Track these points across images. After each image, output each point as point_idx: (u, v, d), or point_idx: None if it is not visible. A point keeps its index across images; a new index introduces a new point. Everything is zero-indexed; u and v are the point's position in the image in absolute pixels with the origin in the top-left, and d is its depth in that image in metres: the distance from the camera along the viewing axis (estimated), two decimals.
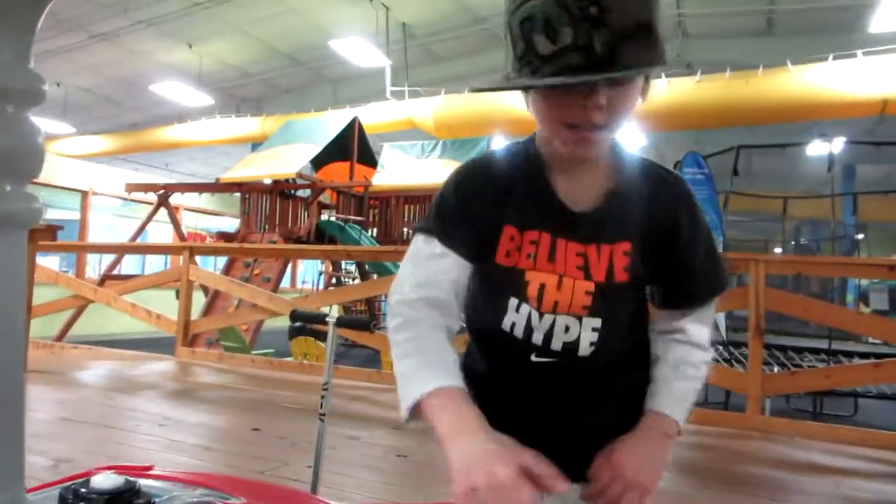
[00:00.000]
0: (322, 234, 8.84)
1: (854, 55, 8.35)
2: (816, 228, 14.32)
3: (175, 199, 10.41)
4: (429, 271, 0.81)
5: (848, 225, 10.17)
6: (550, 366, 0.84)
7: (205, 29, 11.38)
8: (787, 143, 8.05)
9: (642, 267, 0.84)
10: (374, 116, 11.62)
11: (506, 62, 0.79)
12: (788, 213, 9.49)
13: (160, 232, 13.10)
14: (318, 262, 11.61)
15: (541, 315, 0.83)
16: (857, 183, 13.76)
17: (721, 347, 5.40)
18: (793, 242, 13.02)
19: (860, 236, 10.11)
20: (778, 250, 12.94)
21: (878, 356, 4.31)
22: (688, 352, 0.88)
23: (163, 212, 9.78)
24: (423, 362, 0.76)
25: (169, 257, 11.65)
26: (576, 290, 0.82)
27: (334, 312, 2.10)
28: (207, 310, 7.73)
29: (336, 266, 10.66)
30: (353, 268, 10.16)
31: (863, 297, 12.44)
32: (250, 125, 13.44)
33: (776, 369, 4.78)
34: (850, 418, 5.85)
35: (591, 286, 0.82)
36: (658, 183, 0.87)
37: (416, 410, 0.72)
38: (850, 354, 4.84)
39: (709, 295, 0.89)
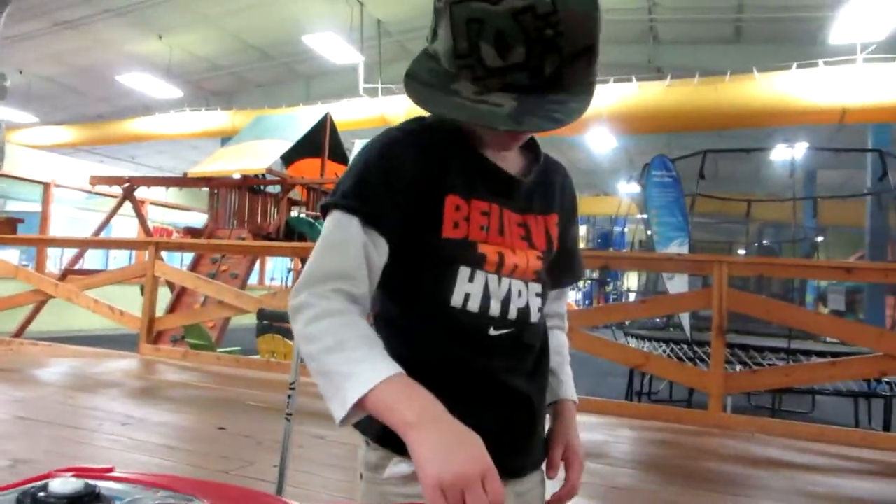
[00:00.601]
0: (292, 231, 8.75)
1: (816, 64, 8.58)
2: (779, 231, 14.69)
3: (141, 192, 10.19)
4: (346, 259, 0.73)
5: (808, 228, 10.45)
6: (507, 338, 0.80)
7: (175, 20, 11.18)
8: (752, 148, 8.23)
9: (561, 238, 0.88)
10: (346, 113, 11.54)
11: (434, 43, 0.75)
12: (752, 216, 9.70)
13: (125, 226, 12.83)
14: (288, 258, 11.50)
15: (500, 279, 0.80)
16: (817, 187, 14.14)
17: (685, 346, 5.51)
18: (756, 244, 13.33)
19: (820, 239, 10.40)
20: (742, 251, 13.24)
21: (835, 355, 4.44)
22: (564, 338, 0.97)
23: (128, 205, 9.59)
24: (361, 354, 0.67)
25: (133, 252, 11.42)
26: (529, 255, 0.82)
27: None
28: (173, 306, 7.59)
29: (305, 263, 10.59)
30: None
31: (822, 297, 12.81)
32: (220, 119, 13.25)
33: (738, 368, 4.89)
34: (808, 415, 6.01)
35: (538, 253, 0.84)
36: (561, 168, 0.93)
37: (360, 407, 0.65)
38: (808, 353, 4.98)
39: (581, 275, 0.97)
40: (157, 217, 14.30)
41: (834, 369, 3.78)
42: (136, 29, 11.47)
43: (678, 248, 6.27)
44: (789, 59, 8.81)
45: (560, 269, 0.90)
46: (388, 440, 0.74)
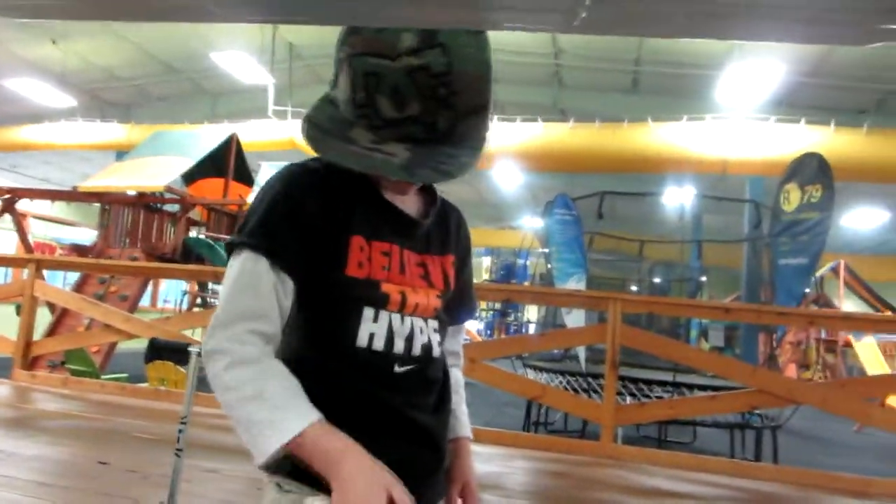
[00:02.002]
0: (189, 252, 8.40)
1: (703, 118, 9.33)
2: (668, 269, 15.62)
3: (23, 205, 9.46)
4: (258, 299, 0.75)
5: (694, 268, 11.19)
6: (412, 374, 0.83)
7: (71, 25, 10.58)
8: (646, 193, 8.77)
9: (457, 278, 0.92)
10: (254, 134, 11.30)
11: (335, 90, 0.78)
12: (645, 255, 10.28)
13: (3, 240, 11.83)
14: (183, 280, 10.98)
15: (402, 318, 0.82)
16: (703, 231, 15.21)
17: (580, 378, 5.73)
18: (648, 281, 14.10)
19: (703, 278, 11.16)
20: (634, 288, 13.96)
21: (715, 388, 4.76)
22: (461, 376, 1.00)
23: (7, 218, 8.86)
24: (281, 402, 0.72)
25: (10, 269, 10.53)
26: (429, 294, 0.86)
27: (198, 336, 2.02)
28: (53, 329, 7.06)
29: (202, 286, 10.15)
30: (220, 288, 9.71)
31: (704, 333, 13.70)
32: (116, 132, 12.59)
33: (629, 400, 5.13)
34: (690, 445, 6.37)
35: (437, 292, 0.87)
36: (456, 210, 0.96)
37: (290, 449, 0.70)
38: (691, 387, 5.30)
39: (475, 311, 1.01)
40: (40, 232, 13.29)
41: (714, 403, 4.06)
42: (27, 31, 10.76)
43: (576, 283, 6.55)
44: (681, 111, 9.54)
45: (457, 305, 0.94)
46: (300, 476, 0.76)
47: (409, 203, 0.86)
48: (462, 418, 0.96)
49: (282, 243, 0.76)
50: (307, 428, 0.70)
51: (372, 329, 0.80)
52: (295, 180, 0.80)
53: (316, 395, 0.74)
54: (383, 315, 0.81)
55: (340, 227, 0.79)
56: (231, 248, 0.78)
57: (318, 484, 0.73)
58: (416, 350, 0.83)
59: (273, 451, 0.69)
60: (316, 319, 0.81)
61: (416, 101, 0.71)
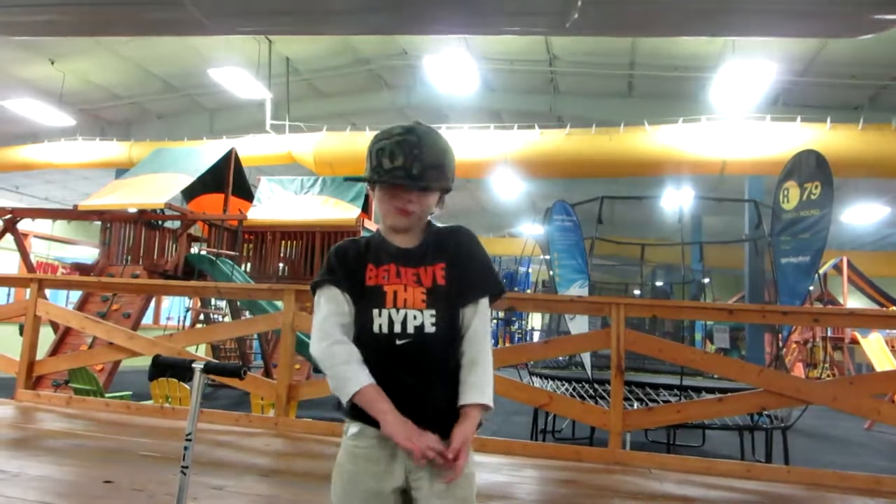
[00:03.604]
0: (191, 269, 8.39)
1: (699, 120, 9.34)
2: (670, 272, 15.61)
3: (24, 224, 9.47)
4: (337, 305, 1.36)
5: (696, 270, 11.17)
6: (410, 345, 1.32)
7: (69, 44, 10.63)
8: (645, 196, 8.76)
9: (453, 277, 1.38)
10: (252, 149, 11.33)
11: (366, 170, 1.38)
12: (646, 259, 10.27)
13: (4, 260, 11.84)
14: (186, 297, 10.97)
15: (397, 311, 1.33)
16: (703, 233, 15.21)
17: (587, 385, 5.70)
18: (650, 285, 14.09)
19: (706, 280, 11.14)
20: (637, 292, 13.94)
21: (722, 391, 4.74)
22: (475, 351, 1.36)
23: (8, 238, 8.87)
24: (357, 367, 1.30)
25: (12, 290, 10.53)
26: (415, 292, 1.35)
27: (202, 352, 2.00)
28: (56, 348, 7.05)
29: (205, 302, 10.14)
30: (223, 304, 9.69)
31: (709, 335, 13.66)
32: (116, 150, 12.63)
33: (636, 405, 5.11)
34: (699, 448, 6.34)
35: (423, 290, 1.35)
36: (451, 233, 1.45)
37: (356, 396, 1.27)
38: (698, 390, 5.27)
39: (489, 288, 1.41)
40: (42, 252, 13.30)
41: (721, 405, 4.03)
42: (26, 51, 10.81)
43: (579, 289, 6.53)
44: (676, 114, 9.55)
45: (465, 287, 1.39)
46: (354, 415, 1.32)
47: (409, 240, 1.40)
48: (465, 389, 1.33)
49: (335, 276, 1.38)
50: (365, 387, 1.28)
51: (379, 321, 1.34)
52: (340, 245, 1.44)
53: (363, 359, 1.32)
54: (384, 312, 1.34)
55: (362, 262, 1.39)
56: (315, 287, 1.40)
57: (367, 420, 1.29)
58: (410, 329, 1.33)
59: (351, 393, 1.27)
60: (358, 317, 1.36)
61: (401, 157, 1.32)
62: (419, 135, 1.34)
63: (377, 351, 1.33)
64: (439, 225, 1.46)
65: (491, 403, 1.33)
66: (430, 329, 1.33)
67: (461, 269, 1.40)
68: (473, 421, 1.31)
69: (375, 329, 1.33)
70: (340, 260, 1.40)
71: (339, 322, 1.34)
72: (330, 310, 1.35)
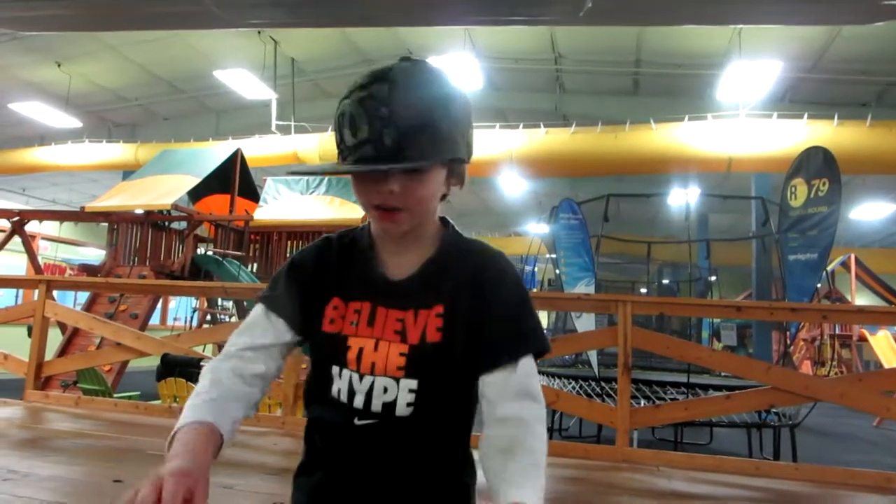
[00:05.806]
0: (198, 269, 8.43)
1: (705, 117, 9.31)
2: (676, 270, 15.56)
3: (32, 226, 9.53)
4: (252, 336, 0.94)
5: (702, 268, 11.13)
6: (372, 427, 0.88)
7: (76, 47, 10.69)
8: (651, 194, 8.74)
9: (455, 327, 0.89)
10: (258, 149, 11.35)
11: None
12: (652, 257, 10.25)
13: (12, 262, 11.91)
14: (193, 297, 11.01)
15: (361, 377, 0.89)
16: (709, 230, 15.15)
17: (594, 383, 5.70)
18: (656, 283, 14.05)
19: (713, 278, 11.10)
20: (643, 290, 13.91)
21: (729, 388, 4.72)
22: (519, 436, 0.82)
23: (16, 240, 8.92)
24: (197, 403, 0.86)
25: (21, 291, 10.60)
26: (390, 352, 0.88)
27: (209, 353, 2.01)
28: (64, 349, 7.09)
29: (211, 302, 10.17)
30: (230, 304, 9.73)
31: (716, 333, 13.62)
32: (122, 152, 12.68)
33: (643, 403, 5.09)
34: (707, 446, 6.32)
35: (405, 348, 0.88)
36: (471, 258, 0.94)
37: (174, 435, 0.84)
38: (705, 387, 5.26)
39: (517, 348, 0.88)
40: (49, 254, 13.37)
41: (729, 402, 4.02)
42: (32, 55, 10.87)
43: (585, 287, 6.52)
44: (682, 111, 9.52)
45: (489, 344, 0.88)
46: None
47: (405, 258, 0.93)
48: (502, 487, 0.78)
49: (277, 299, 0.96)
50: (184, 426, 0.84)
51: (338, 385, 0.91)
52: (302, 251, 1.00)
53: (310, 424, 0.96)
54: (345, 372, 0.90)
55: (323, 289, 0.94)
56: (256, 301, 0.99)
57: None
58: (376, 407, 0.88)
59: (172, 433, 0.85)
60: (312, 368, 0.97)
61: (365, 124, 0.81)
62: (392, 81, 0.82)
63: (331, 425, 0.92)
64: (463, 234, 0.98)
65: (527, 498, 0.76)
66: (403, 410, 0.88)
67: (482, 313, 0.89)
68: None
69: (333, 392, 0.91)
70: (292, 278, 0.96)
71: (252, 356, 0.92)
72: (246, 341, 0.93)
